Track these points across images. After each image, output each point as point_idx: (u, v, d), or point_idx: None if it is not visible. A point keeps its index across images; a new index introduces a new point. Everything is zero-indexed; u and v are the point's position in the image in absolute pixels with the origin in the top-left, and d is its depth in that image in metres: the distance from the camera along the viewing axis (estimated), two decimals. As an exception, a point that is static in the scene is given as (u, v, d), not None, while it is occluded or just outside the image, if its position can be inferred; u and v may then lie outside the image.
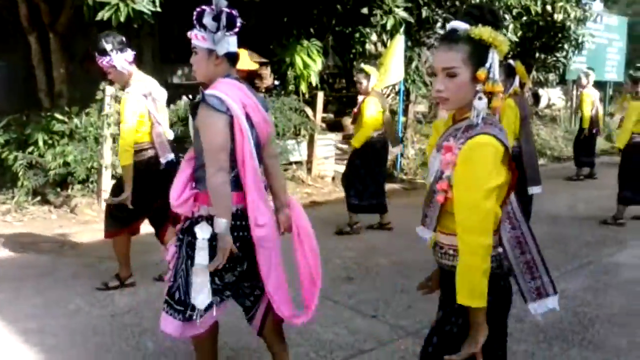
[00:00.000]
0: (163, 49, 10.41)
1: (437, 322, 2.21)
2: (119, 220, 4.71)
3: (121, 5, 6.09)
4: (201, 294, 2.84)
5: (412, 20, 9.42)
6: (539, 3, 11.92)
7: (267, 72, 11.26)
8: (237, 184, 2.81)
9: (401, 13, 8.97)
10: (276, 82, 10.79)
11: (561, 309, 4.50)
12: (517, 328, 4.12)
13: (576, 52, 13.58)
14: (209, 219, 2.78)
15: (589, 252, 6.02)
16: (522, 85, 5.71)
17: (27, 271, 5.21)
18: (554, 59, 13.37)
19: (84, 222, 6.80)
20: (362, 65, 6.94)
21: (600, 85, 15.05)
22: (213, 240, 2.77)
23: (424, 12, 10.05)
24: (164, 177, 4.29)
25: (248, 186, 2.80)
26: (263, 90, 9.74)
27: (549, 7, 12.03)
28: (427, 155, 2.39)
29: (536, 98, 14.88)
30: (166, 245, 3.93)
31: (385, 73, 8.63)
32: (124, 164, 4.51)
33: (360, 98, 6.56)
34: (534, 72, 13.21)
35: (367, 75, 6.47)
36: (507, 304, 2.22)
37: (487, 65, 2.04)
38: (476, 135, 2.01)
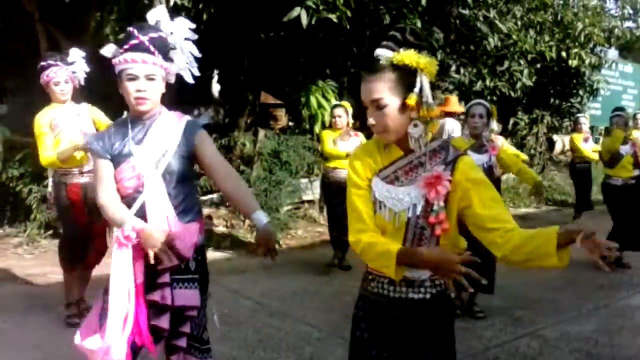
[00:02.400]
0: (177, 90, 10.54)
1: None
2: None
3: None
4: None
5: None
6: (553, 49, 12.04)
7: (281, 113, 11.38)
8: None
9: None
10: (290, 123, 10.89)
11: (576, 350, 4.45)
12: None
13: (591, 98, 13.59)
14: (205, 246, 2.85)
15: (604, 295, 5.90)
16: None
17: (35, 302, 5.19)
18: (569, 104, 13.37)
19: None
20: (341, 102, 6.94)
21: (615, 131, 14.97)
22: None
23: (439, 56, 10.13)
24: None
25: None
26: (278, 131, 9.82)
27: (563, 54, 12.12)
28: None
29: (550, 143, 14.82)
30: None
31: None
32: None
33: (360, 137, 6.51)
34: (548, 118, 13.23)
35: (346, 110, 6.46)
36: None
37: (417, 90, 1.94)
38: (462, 156, 2.04)
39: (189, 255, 2.65)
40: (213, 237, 7.51)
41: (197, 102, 11.98)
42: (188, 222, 2.68)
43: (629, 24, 15.23)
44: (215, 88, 12.70)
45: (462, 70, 10.86)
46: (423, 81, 1.95)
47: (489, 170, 4.96)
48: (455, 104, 8.14)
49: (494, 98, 11.09)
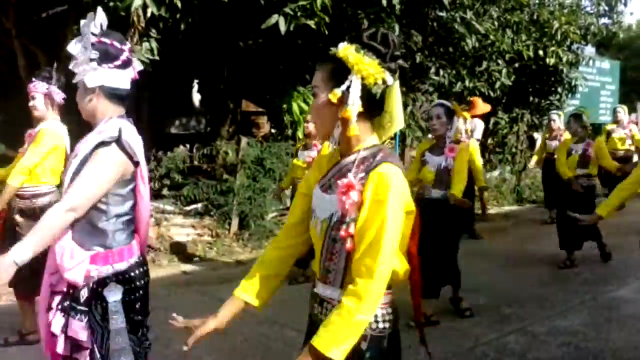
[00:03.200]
0: (159, 100, 10.55)
1: None
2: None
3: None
4: None
5: (406, 65, 9.55)
6: (531, 48, 12.14)
7: (263, 120, 11.37)
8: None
9: (395, 59, 9.11)
10: (272, 130, 10.90)
11: (564, 344, 4.49)
12: (520, 365, 4.05)
13: (569, 95, 13.73)
14: (113, 278, 2.44)
15: (590, 289, 5.97)
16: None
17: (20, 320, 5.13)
18: (548, 102, 13.49)
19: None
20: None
21: (594, 127, 15.18)
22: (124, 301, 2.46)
23: (418, 58, 10.20)
24: None
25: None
26: (260, 139, 9.82)
27: (541, 52, 12.23)
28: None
29: (531, 141, 14.95)
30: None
31: (392, 121, 8.63)
32: None
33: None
34: (528, 116, 13.33)
35: None
36: None
37: (343, 87, 1.80)
38: (383, 164, 1.80)
39: (67, 277, 2.39)
40: (199, 247, 7.48)
41: (178, 112, 11.96)
42: (87, 250, 2.41)
43: (604, 20, 15.36)
44: (196, 97, 12.68)
45: (441, 72, 10.92)
46: (353, 80, 1.79)
47: (444, 171, 4.92)
48: (481, 106, 8.33)
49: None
